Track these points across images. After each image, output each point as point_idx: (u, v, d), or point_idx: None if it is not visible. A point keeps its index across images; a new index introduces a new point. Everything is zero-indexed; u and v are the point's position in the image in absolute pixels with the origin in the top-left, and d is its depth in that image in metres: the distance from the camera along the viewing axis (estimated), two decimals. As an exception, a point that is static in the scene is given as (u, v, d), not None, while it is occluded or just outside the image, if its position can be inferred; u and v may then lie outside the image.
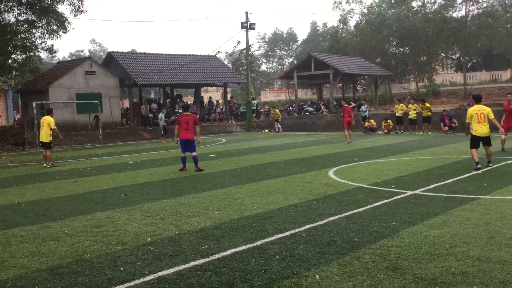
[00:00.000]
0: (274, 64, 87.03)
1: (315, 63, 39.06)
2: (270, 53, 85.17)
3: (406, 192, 9.23)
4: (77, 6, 29.40)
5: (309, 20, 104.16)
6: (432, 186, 9.80)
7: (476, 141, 11.88)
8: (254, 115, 39.72)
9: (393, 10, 52.72)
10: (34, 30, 30.30)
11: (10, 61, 30.41)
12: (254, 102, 42.02)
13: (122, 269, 5.34)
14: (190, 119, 13.53)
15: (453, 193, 9.00)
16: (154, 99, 42.93)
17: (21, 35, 29.74)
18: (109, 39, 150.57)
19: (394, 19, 50.09)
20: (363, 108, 29.84)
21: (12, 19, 29.58)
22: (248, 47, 39.71)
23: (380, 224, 6.92)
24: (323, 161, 14.74)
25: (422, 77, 54.07)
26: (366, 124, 28.38)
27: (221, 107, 40.61)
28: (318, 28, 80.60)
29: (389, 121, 27.78)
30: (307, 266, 5.24)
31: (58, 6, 29.68)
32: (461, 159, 14.08)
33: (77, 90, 31.00)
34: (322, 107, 39.26)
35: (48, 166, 15.94)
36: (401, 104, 27.41)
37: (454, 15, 48.01)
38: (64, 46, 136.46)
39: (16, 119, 39.18)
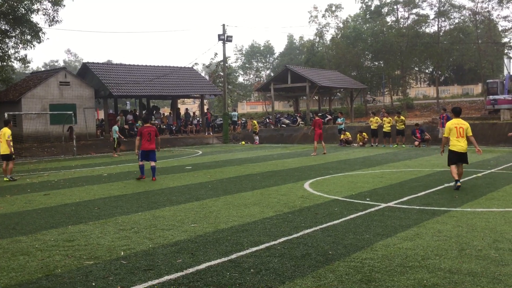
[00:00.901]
0: (251, 76, 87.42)
1: (291, 75, 39.39)
2: (247, 65, 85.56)
3: (380, 205, 9.34)
4: (51, 16, 29.18)
5: (286, 33, 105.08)
6: (405, 199, 9.95)
7: (454, 157, 11.06)
8: (235, 126, 39.75)
9: (368, 25, 53.65)
10: (7, 40, 29.87)
11: (-19, 70, 29.87)
12: (235, 113, 42.08)
13: (94, 284, 5.25)
14: (152, 130, 14.54)
15: (425, 206, 9.15)
16: (130, 110, 42.57)
17: (-6, 45, 29.26)
18: (84, 49, 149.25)
19: (369, 33, 50.97)
20: (339, 120, 30.16)
21: (-15, 29, 29.11)
22: (225, 59, 39.83)
23: (354, 236, 6.98)
24: (299, 174, 14.82)
25: (396, 90, 55.02)
26: (342, 136, 28.67)
27: (198, 118, 40.53)
28: (294, 41, 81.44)
29: (364, 133, 28.14)
30: (281, 280, 5.24)
31: (32, 16, 29.42)
32: (434, 172, 14.33)
33: (50, 101, 30.53)
34: (299, 120, 39.53)
35: (6, 179, 15.22)
36: (376, 117, 27.82)
37: (427, 30, 49.18)
38: (38, 56, 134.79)
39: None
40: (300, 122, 39.15)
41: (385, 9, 50.44)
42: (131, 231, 7.70)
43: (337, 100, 58.14)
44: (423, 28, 48.59)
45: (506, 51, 47.33)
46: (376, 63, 53.24)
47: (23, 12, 28.71)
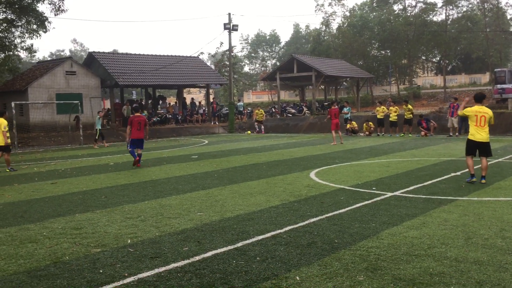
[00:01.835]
0: (257, 65, 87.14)
1: (297, 65, 39.22)
2: (253, 54, 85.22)
3: (386, 194, 9.33)
4: (57, 5, 29.13)
5: (292, 22, 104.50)
6: (411, 188, 9.93)
7: (471, 147, 10.28)
8: (241, 115, 39.74)
9: (374, 13, 53.21)
10: (13, 29, 29.92)
11: (-12, 60, 29.96)
12: (240, 103, 42.04)
13: (101, 271, 5.30)
14: (142, 120, 14.98)
15: (432, 195, 9.13)
16: (136, 99, 42.64)
17: (0, 34, 29.29)
18: (90, 39, 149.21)
19: (375, 22, 50.55)
20: (345, 110, 30.06)
21: (-9, 18, 29.15)
22: (230, 48, 39.71)
23: (360, 225, 6.99)
24: (305, 163, 14.81)
25: (403, 79, 54.65)
26: (348, 126, 28.60)
27: (204, 108, 40.52)
28: (300, 30, 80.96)
29: (370, 123, 28.04)
30: (287, 268, 5.26)
31: (38, 5, 29.40)
32: (441, 161, 14.28)
33: (57, 90, 30.62)
34: (305, 109, 39.42)
35: (7, 170, 14.98)
36: (382, 106, 27.70)
37: (435, 19, 48.68)
38: (44, 45, 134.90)
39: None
40: (306, 111, 39.06)
41: (392, -3, 50.00)
42: (138, 219, 7.75)
43: (343, 90, 57.89)
44: (431, 16, 48.12)
45: (514, 39, 46.89)
46: (383, 52, 52.87)
47: (29, 1, 28.69)
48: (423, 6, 47.49)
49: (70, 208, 8.82)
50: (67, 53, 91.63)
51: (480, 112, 10.12)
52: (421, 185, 10.27)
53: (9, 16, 29.25)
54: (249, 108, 44.92)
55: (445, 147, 18.74)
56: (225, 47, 46.44)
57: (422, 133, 25.37)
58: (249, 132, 33.80)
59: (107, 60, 34.46)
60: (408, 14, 48.51)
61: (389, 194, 9.33)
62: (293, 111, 39.49)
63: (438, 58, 58.23)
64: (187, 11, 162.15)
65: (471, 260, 5.36)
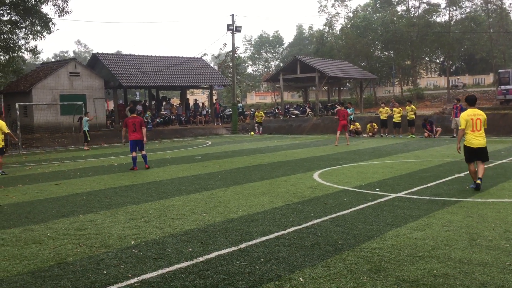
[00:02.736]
0: (260, 66, 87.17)
1: (301, 66, 39.21)
2: (256, 55, 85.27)
3: (390, 195, 9.32)
4: (61, 7, 29.21)
5: (295, 23, 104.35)
6: (415, 189, 9.91)
7: (471, 155, 9.71)
8: (244, 117, 39.77)
9: (378, 14, 53.18)
10: (17, 31, 30.00)
11: (-8, 61, 30.08)
12: (240, 105, 42.07)
13: (105, 272, 5.31)
14: (137, 121, 14.69)
15: (435, 196, 9.11)
16: (140, 100, 42.69)
17: (4, 36, 29.42)
18: (94, 40, 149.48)
19: (379, 23, 50.48)
20: (348, 111, 29.99)
21: (-5, 19, 29.26)
22: (234, 49, 39.73)
23: (363, 226, 6.98)
24: (308, 164, 14.81)
25: (407, 80, 54.56)
26: (351, 127, 28.56)
27: (207, 109, 40.54)
28: (304, 31, 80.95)
29: (374, 124, 28.00)
30: (291, 269, 5.26)
31: (42, 6, 29.47)
32: (444, 162, 14.24)
33: (61, 91, 30.71)
34: (308, 110, 39.41)
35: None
36: (386, 107, 27.66)
37: (438, 19, 48.62)
38: (48, 47, 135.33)
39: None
40: (309, 112, 39.04)
41: (396, -2, 50.03)
42: (142, 220, 7.76)
43: (346, 91, 57.84)
44: (434, 17, 48.06)
45: (518, 40, 46.77)
46: (386, 53, 52.84)
47: (33, 2, 28.79)
48: (427, 7, 47.46)
49: (74, 209, 8.84)
50: (71, 55, 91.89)
51: (475, 115, 9.59)
52: (424, 186, 10.25)
53: (14, 18, 29.36)
54: (252, 109, 44.94)
55: (449, 148, 18.69)
56: (229, 48, 46.49)
57: (426, 134, 25.33)
58: (252, 133, 33.84)
59: (111, 61, 34.54)
60: (412, 15, 48.47)
61: (393, 195, 9.32)
62: (296, 112, 39.47)
63: (441, 59, 58.10)
64: (191, 13, 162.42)
65: (475, 262, 5.34)
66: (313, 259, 5.57)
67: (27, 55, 38.46)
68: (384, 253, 5.72)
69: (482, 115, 9.65)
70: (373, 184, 10.64)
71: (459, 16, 47.92)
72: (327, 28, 56.80)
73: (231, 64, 43.14)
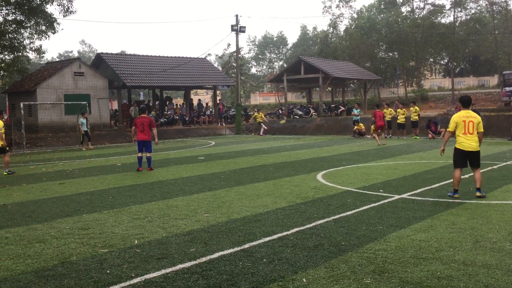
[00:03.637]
0: (264, 67, 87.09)
1: (305, 66, 39.18)
2: (260, 56, 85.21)
3: (394, 196, 9.29)
4: (66, 7, 29.28)
5: (299, 23, 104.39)
6: (419, 191, 9.88)
7: (461, 158, 9.10)
8: (245, 117, 39.73)
9: (382, 15, 53.04)
10: (22, 30, 30.10)
11: (-3, 61, 30.20)
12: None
13: (108, 272, 5.31)
14: (145, 121, 14.21)
15: (439, 198, 9.08)
16: (143, 100, 42.78)
17: (9, 35, 29.53)
18: (98, 40, 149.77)
19: (383, 24, 50.36)
20: (355, 112, 29.95)
21: (0, 19, 29.35)
22: (238, 49, 39.76)
23: (367, 227, 6.96)
24: (312, 165, 14.79)
25: (411, 82, 54.41)
26: (355, 127, 28.51)
27: (211, 109, 40.58)
28: (308, 32, 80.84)
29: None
30: (294, 270, 5.25)
31: (47, 6, 29.55)
32: (448, 164, 14.17)
33: (65, 91, 30.80)
34: (312, 111, 39.36)
35: (5, 173, 14.38)
36: (390, 109, 27.59)
37: (443, 21, 48.49)
38: (53, 46, 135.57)
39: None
40: (313, 113, 39.00)
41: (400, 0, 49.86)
42: (145, 220, 7.77)
43: (350, 92, 57.76)
44: (439, 18, 47.93)
45: (523, 42, 46.57)
46: (391, 54, 52.70)
47: (38, 2, 28.87)
48: (431, 8, 47.34)
49: (77, 209, 8.86)
50: (76, 54, 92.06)
51: (467, 117, 8.95)
52: (428, 187, 10.22)
53: (18, 17, 29.45)
54: (255, 110, 44.91)
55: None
56: (233, 48, 46.57)
57: (430, 135, 25.26)
58: (283, 121, 35.70)
59: (115, 61, 34.62)
60: (416, 16, 48.35)
61: (397, 196, 9.29)
62: (300, 112, 39.44)
63: (446, 60, 57.92)
64: (195, 13, 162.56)
65: (479, 264, 5.32)
66: (316, 260, 5.56)
67: (31, 55, 38.66)
68: (388, 254, 5.70)
69: (475, 117, 9.05)
70: (376, 185, 10.61)
71: (463, 17, 47.75)
72: (331, 28, 56.70)
73: (235, 65, 43.19)
